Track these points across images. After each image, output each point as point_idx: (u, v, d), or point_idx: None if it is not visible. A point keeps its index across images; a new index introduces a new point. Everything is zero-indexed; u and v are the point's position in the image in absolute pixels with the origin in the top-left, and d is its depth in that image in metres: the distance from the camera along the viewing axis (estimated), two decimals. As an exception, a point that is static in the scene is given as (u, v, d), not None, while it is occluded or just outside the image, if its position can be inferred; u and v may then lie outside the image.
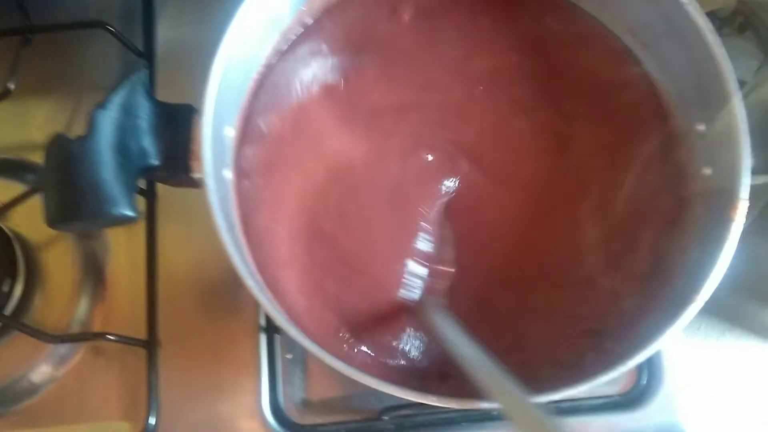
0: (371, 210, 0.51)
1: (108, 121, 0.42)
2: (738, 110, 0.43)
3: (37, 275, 0.62)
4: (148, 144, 0.44)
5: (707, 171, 0.46)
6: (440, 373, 0.47)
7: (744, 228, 0.58)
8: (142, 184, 0.60)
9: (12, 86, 0.61)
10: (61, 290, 0.62)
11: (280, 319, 0.40)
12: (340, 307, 0.48)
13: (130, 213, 0.42)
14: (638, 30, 0.50)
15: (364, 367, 0.44)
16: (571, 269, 0.48)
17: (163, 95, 0.63)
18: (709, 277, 0.41)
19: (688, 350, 0.62)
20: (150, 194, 0.61)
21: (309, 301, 0.48)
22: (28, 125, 0.66)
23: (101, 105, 0.42)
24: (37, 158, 0.65)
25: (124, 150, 0.43)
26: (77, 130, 0.65)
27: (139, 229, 0.62)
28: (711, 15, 0.94)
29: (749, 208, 0.58)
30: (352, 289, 0.49)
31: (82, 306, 0.62)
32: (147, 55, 0.67)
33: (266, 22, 0.49)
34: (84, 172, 0.41)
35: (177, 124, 0.45)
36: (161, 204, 0.62)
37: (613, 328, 0.46)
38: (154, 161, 0.44)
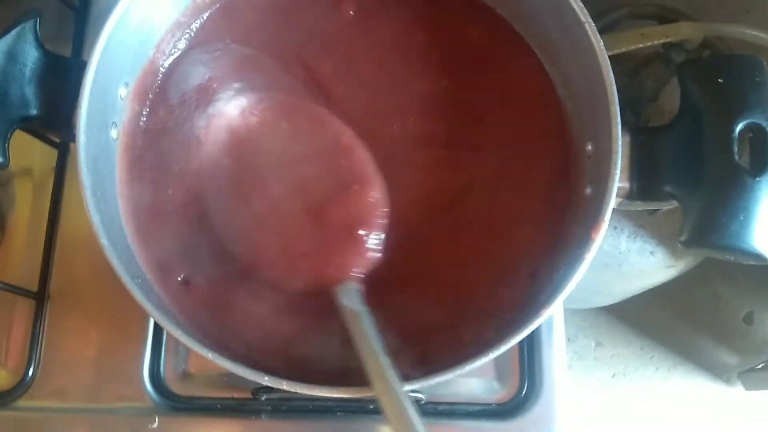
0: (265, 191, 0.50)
1: (-13, 65, 0.42)
2: (616, 132, 0.43)
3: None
4: (31, 93, 0.44)
5: (588, 190, 0.46)
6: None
7: (702, 263, 0.59)
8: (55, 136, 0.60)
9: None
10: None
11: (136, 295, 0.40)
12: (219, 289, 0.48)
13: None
14: (547, 44, 0.50)
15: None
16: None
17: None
18: (560, 293, 0.41)
19: (639, 380, 0.63)
20: (62, 146, 0.61)
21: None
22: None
23: (-17, 48, 0.42)
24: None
25: (2, 97, 0.43)
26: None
27: (48, 183, 0.62)
28: (678, 47, 0.95)
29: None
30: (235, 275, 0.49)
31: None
32: (81, 9, 0.66)
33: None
34: (-46, 114, 0.41)
35: (67, 77, 0.45)
36: (72, 157, 0.62)
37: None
38: (34, 111, 0.44)
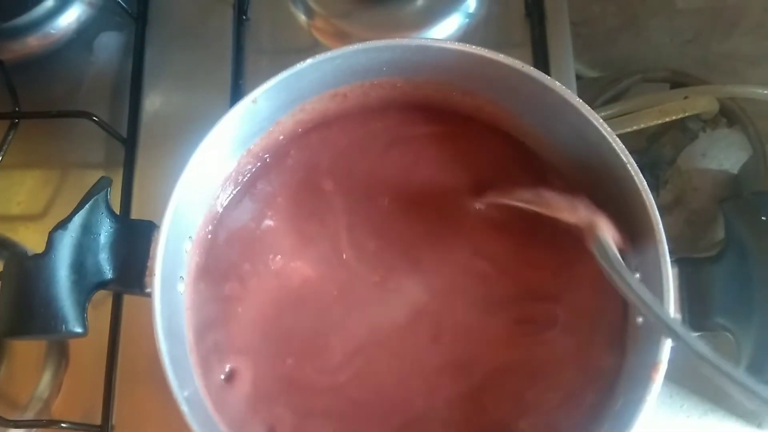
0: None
1: (66, 241, 0.45)
2: (666, 268, 0.45)
3: (2, 349, 0.64)
4: (104, 260, 0.47)
5: (640, 320, 0.48)
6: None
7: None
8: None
9: (-3, 167, 0.64)
10: (25, 365, 0.64)
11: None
12: None
13: (79, 330, 0.44)
14: (587, 176, 0.52)
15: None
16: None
17: (143, 178, 0.67)
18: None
19: (670, 429, 0.63)
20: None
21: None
22: (9, 201, 0.69)
23: (61, 225, 0.45)
24: (14, 234, 0.68)
25: (79, 267, 0.45)
26: (57, 207, 0.68)
27: (106, 309, 0.64)
28: (695, 117, 0.97)
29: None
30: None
31: (44, 381, 0.64)
32: (130, 140, 0.69)
33: (234, 141, 0.51)
34: (37, 291, 0.43)
35: (137, 240, 0.48)
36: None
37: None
38: (109, 276, 0.47)
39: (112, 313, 0.63)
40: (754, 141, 0.98)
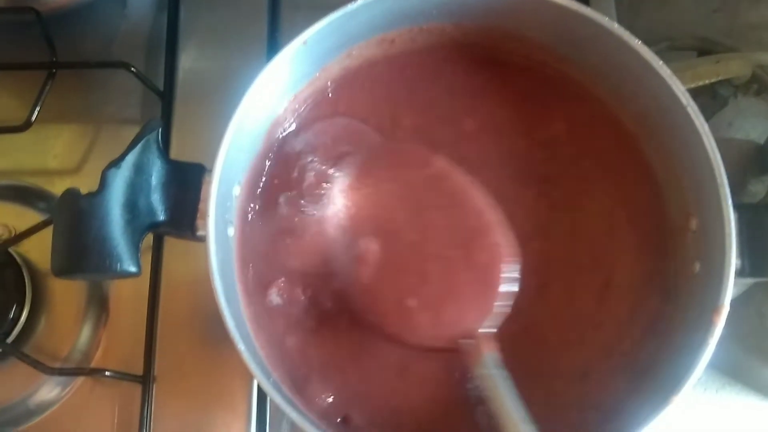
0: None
1: (119, 180, 0.44)
2: (728, 213, 0.44)
3: (43, 302, 0.64)
4: (157, 201, 0.46)
5: (697, 266, 0.47)
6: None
7: (750, 287, 0.60)
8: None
9: (34, 119, 0.63)
10: (65, 317, 0.64)
11: (267, 388, 0.42)
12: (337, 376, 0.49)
13: (133, 269, 0.44)
14: (643, 119, 0.51)
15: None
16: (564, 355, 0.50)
17: (179, 132, 0.67)
18: (689, 379, 0.42)
19: (685, 402, 0.63)
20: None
21: (305, 367, 0.49)
22: (45, 154, 0.69)
23: (114, 163, 0.44)
24: (51, 187, 0.68)
25: (132, 207, 0.45)
26: (92, 161, 0.68)
27: (145, 262, 0.64)
28: (726, 82, 0.96)
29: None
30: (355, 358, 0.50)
31: (85, 334, 0.64)
32: (167, 94, 0.69)
33: (281, 87, 0.50)
34: (91, 229, 0.43)
35: (187, 182, 0.47)
36: (168, 239, 0.64)
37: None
38: (161, 218, 0.46)
39: (152, 263, 0.63)
40: (782, 108, 0.97)
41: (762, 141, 0.95)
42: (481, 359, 0.44)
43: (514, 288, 0.47)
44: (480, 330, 0.46)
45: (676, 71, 0.91)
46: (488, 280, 0.47)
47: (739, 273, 0.45)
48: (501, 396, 0.43)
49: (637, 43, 0.47)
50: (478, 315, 0.46)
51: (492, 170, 0.52)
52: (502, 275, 0.46)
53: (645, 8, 1.09)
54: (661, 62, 0.47)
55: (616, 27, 0.47)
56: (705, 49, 1.01)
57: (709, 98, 0.99)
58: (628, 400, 0.47)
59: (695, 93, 0.98)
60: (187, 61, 0.71)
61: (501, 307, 0.46)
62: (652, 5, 1.08)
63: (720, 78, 0.95)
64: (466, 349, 0.45)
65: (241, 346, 0.42)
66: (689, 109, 0.46)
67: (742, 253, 0.45)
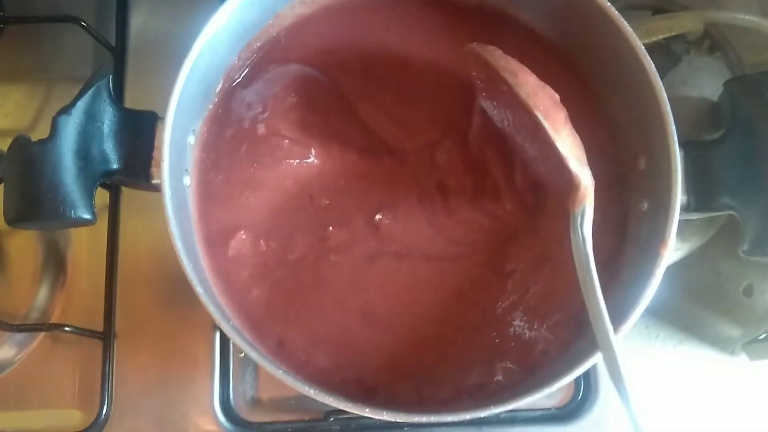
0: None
1: (71, 126, 0.44)
2: (674, 152, 0.45)
3: (-3, 263, 0.63)
4: (110, 149, 0.46)
5: (645, 205, 0.49)
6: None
7: (705, 243, 0.62)
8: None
9: (-18, 74, 0.62)
10: (22, 277, 0.63)
11: (227, 330, 0.42)
12: (292, 317, 0.50)
13: (87, 216, 0.44)
14: (594, 62, 0.52)
15: (304, 376, 0.47)
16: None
17: (132, 89, 0.66)
18: (634, 311, 0.43)
19: (645, 358, 0.65)
20: (114, 187, 0.62)
21: (267, 315, 0.49)
22: (-5, 113, 0.67)
23: (65, 110, 0.44)
24: (3, 146, 0.66)
25: (85, 154, 0.44)
26: (45, 120, 0.66)
27: (102, 220, 0.63)
28: (680, 38, 0.97)
29: (712, 224, 0.61)
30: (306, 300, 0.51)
31: (42, 293, 0.63)
32: (119, 50, 0.67)
33: (233, 34, 0.50)
34: (44, 175, 0.43)
35: (140, 130, 0.47)
36: (124, 196, 0.63)
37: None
38: (115, 166, 0.46)
39: (109, 219, 0.62)
40: (734, 67, 0.98)
41: (716, 98, 0.97)
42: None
43: None
44: None
45: (631, 27, 0.93)
46: None
47: (685, 209, 0.46)
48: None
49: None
50: None
51: (439, 109, 0.53)
52: None
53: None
54: (609, 4, 0.47)
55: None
56: (659, 8, 1.02)
57: (663, 55, 1.01)
58: (579, 337, 0.49)
59: (650, 49, 1.00)
60: (138, 16, 0.70)
61: None
62: (609, -38, 1.09)
63: (673, 33, 0.96)
64: None
65: (199, 290, 0.43)
66: (638, 50, 0.47)
67: (688, 190, 0.47)
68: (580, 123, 0.53)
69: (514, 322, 0.50)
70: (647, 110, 0.47)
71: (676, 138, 0.45)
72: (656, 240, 0.45)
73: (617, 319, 0.44)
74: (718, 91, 0.96)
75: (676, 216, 0.44)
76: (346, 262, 0.50)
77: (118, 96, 0.65)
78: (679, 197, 0.45)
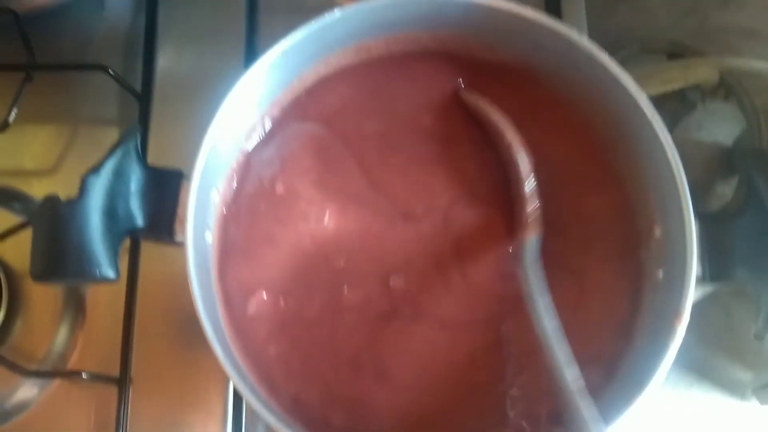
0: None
1: (98, 186, 0.45)
2: (689, 223, 0.46)
3: (19, 303, 0.64)
4: (136, 207, 0.47)
5: (660, 273, 0.49)
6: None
7: (717, 286, 0.62)
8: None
9: (11, 120, 0.63)
10: (42, 319, 0.64)
11: (245, 392, 0.43)
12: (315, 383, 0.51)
13: (111, 275, 0.45)
14: (611, 129, 0.53)
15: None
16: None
17: (157, 134, 0.67)
18: (651, 381, 0.44)
19: (654, 401, 0.65)
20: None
21: (284, 372, 0.50)
22: (22, 154, 0.69)
23: (94, 170, 0.45)
24: (28, 188, 0.68)
25: (111, 213, 0.45)
26: (69, 162, 0.68)
27: (122, 264, 0.64)
28: (695, 87, 0.98)
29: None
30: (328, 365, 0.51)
31: (62, 334, 0.64)
32: (144, 95, 0.69)
33: (257, 95, 0.51)
34: (71, 234, 0.43)
35: (165, 188, 0.48)
36: (145, 242, 0.64)
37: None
38: (140, 223, 0.47)
39: (129, 266, 0.63)
40: (749, 113, 0.99)
41: (729, 143, 0.98)
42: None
43: None
44: None
45: (646, 76, 0.94)
46: None
47: (700, 280, 0.47)
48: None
49: (605, 58, 0.48)
50: None
51: (452, 170, 0.54)
52: None
53: (618, 9, 1.11)
54: (628, 76, 0.48)
55: (585, 42, 0.49)
56: (675, 52, 1.03)
57: (678, 102, 1.02)
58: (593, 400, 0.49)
59: (664, 97, 1.01)
60: (164, 62, 0.72)
61: None
62: (625, 6, 1.10)
63: (689, 83, 0.97)
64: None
65: (218, 351, 0.43)
66: (654, 123, 0.48)
67: (703, 260, 0.47)
68: (596, 185, 0.54)
69: (525, 384, 0.50)
70: (662, 179, 0.48)
71: (691, 210, 0.46)
72: (671, 312, 0.45)
73: (633, 390, 0.44)
74: (732, 135, 0.97)
75: (691, 288, 0.45)
76: (360, 323, 0.51)
77: (142, 141, 0.67)
78: (694, 270, 0.45)
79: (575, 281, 0.52)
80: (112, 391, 0.61)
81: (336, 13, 0.49)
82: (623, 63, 0.99)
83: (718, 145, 1.02)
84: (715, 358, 0.66)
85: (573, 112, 0.55)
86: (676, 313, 0.45)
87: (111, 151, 0.46)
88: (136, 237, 0.48)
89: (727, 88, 1.03)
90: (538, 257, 0.49)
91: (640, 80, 0.92)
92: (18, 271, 0.64)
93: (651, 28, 1.08)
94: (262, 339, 0.50)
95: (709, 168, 1.01)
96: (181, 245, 0.46)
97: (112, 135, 0.70)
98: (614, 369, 0.49)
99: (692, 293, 0.45)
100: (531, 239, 0.50)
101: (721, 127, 1.03)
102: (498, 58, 0.55)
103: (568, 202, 0.54)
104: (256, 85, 0.50)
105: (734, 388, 0.65)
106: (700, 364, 0.65)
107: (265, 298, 0.50)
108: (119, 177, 0.46)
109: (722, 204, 0.86)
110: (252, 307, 0.50)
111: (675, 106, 1.02)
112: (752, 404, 0.63)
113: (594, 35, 1.08)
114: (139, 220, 0.47)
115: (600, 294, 0.52)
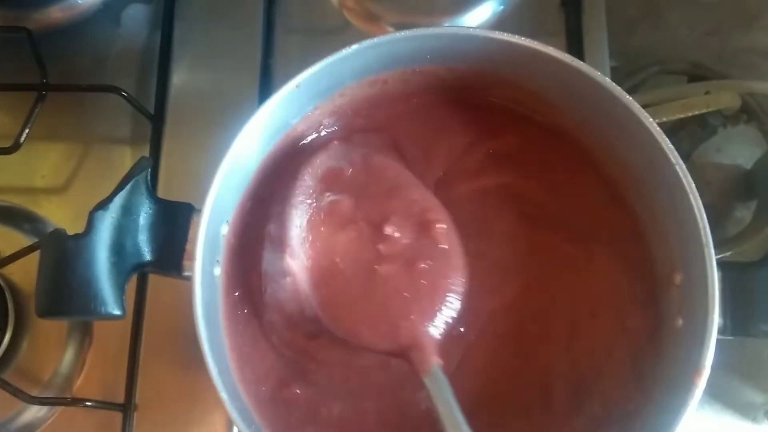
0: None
1: (106, 222, 0.44)
2: (711, 275, 0.44)
3: (25, 326, 0.63)
4: (143, 242, 0.46)
5: (680, 321, 0.48)
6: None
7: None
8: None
9: (23, 140, 0.62)
10: (48, 342, 0.64)
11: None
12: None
13: (117, 312, 0.44)
14: (632, 172, 0.52)
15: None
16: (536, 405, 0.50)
17: (169, 158, 0.66)
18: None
19: None
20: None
21: (289, 409, 0.49)
22: (33, 174, 0.68)
23: (102, 205, 0.44)
24: (37, 208, 0.67)
25: (118, 249, 0.44)
26: (79, 181, 0.67)
27: (130, 289, 0.63)
28: (717, 113, 0.96)
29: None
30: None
31: (67, 359, 0.63)
32: (157, 116, 0.68)
33: (270, 130, 0.50)
34: (77, 271, 0.43)
35: (175, 222, 0.47)
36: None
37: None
38: (148, 258, 0.46)
39: (136, 293, 0.63)
40: (769, 135, 0.98)
41: (749, 166, 0.96)
42: (426, 367, 0.45)
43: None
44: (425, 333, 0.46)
45: (666, 101, 0.92)
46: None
47: (722, 332, 0.45)
48: (444, 403, 0.43)
49: (628, 99, 0.47)
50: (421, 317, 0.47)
51: (476, 215, 0.53)
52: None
53: (639, 29, 1.09)
54: (651, 119, 0.47)
55: (608, 82, 0.47)
56: (696, 74, 1.02)
57: (698, 127, 1.00)
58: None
59: (684, 121, 0.99)
60: (179, 82, 0.71)
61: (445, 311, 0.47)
62: (645, 26, 1.09)
63: (710, 109, 0.96)
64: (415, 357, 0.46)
65: (224, 396, 0.42)
66: (677, 168, 0.46)
67: (725, 312, 0.45)
68: (619, 234, 0.53)
69: None
70: (685, 228, 0.46)
71: (714, 260, 0.45)
72: (690, 366, 0.44)
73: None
74: (753, 158, 0.96)
75: (712, 342, 0.43)
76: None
77: (154, 166, 0.66)
78: (716, 322, 0.44)
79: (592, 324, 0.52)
80: (117, 416, 0.60)
81: (351, 48, 0.48)
82: (642, 84, 0.98)
83: (737, 168, 1.00)
84: (727, 380, 0.65)
85: (592, 154, 0.54)
86: (696, 369, 0.43)
87: (120, 185, 0.45)
88: (143, 271, 0.47)
89: (749, 113, 1.02)
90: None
91: (660, 104, 0.91)
92: (25, 293, 0.64)
93: (672, 48, 1.07)
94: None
95: (728, 191, 0.99)
96: (189, 280, 0.45)
97: (123, 155, 0.69)
98: (627, 421, 0.48)
99: (713, 347, 0.43)
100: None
101: (741, 149, 1.01)
102: (515, 96, 0.54)
103: (590, 245, 0.53)
104: (269, 119, 0.49)
105: (746, 410, 0.64)
106: (711, 385, 0.64)
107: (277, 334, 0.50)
108: (128, 212, 0.45)
109: (741, 229, 0.84)
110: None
111: (695, 130, 1.01)
112: (764, 426, 0.62)
113: (613, 55, 1.07)
114: (147, 255, 0.46)
115: (616, 339, 0.51)
